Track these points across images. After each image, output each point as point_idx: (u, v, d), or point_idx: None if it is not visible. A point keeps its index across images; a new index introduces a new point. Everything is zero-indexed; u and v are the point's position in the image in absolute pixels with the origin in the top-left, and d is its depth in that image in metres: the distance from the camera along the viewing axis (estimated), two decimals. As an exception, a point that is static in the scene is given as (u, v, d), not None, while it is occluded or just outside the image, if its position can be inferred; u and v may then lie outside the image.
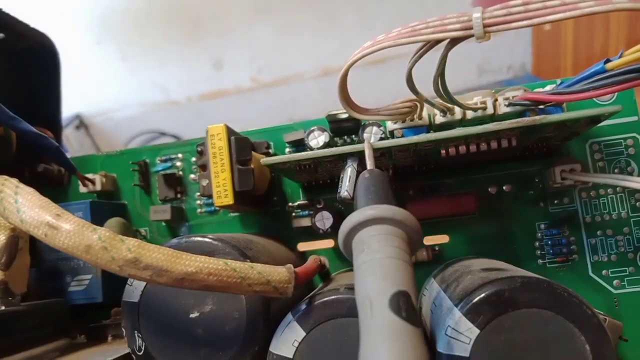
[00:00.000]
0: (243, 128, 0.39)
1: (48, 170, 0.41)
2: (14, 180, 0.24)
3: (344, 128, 0.38)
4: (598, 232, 0.36)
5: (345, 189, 0.30)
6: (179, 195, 0.41)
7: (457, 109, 0.33)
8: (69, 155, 0.40)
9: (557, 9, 0.22)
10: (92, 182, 0.41)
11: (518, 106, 0.32)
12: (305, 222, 0.38)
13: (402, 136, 0.34)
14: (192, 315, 0.26)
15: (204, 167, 0.35)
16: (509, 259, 0.36)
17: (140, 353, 0.26)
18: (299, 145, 0.39)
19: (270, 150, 0.40)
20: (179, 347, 0.26)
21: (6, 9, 0.40)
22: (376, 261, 0.18)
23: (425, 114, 0.34)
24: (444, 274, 0.32)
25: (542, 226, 0.37)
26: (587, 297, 0.23)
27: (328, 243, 0.39)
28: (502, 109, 0.32)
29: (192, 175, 0.41)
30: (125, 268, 0.22)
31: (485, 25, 0.23)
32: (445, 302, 0.25)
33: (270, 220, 0.40)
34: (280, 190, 0.40)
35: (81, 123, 1.40)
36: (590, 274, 0.36)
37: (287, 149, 0.40)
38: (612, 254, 0.36)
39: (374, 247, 0.18)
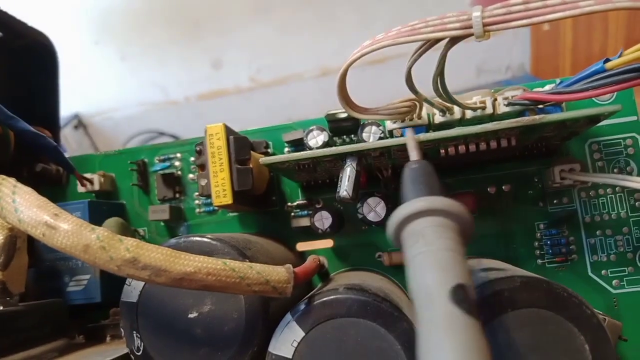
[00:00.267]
0: (242, 128, 0.39)
1: (46, 169, 0.41)
2: (12, 180, 0.24)
3: (343, 127, 0.37)
4: (597, 232, 0.36)
5: (344, 188, 0.30)
6: (177, 195, 0.41)
7: (456, 109, 0.33)
8: (67, 155, 0.40)
9: (557, 7, 0.22)
10: (91, 181, 0.41)
11: (517, 106, 0.32)
12: (304, 222, 0.38)
13: (401, 136, 0.34)
14: (190, 315, 0.26)
15: (202, 167, 0.35)
16: (508, 258, 0.36)
17: (139, 353, 0.26)
18: (298, 144, 0.39)
19: (269, 150, 0.40)
20: (177, 348, 0.26)
21: (4, 8, 0.40)
22: (434, 253, 0.18)
23: (424, 113, 0.34)
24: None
25: (542, 226, 0.37)
26: (586, 297, 0.23)
27: (327, 243, 0.39)
28: (502, 109, 0.32)
29: (190, 175, 0.41)
30: (124, 268, 0.22)
31: (485, 24, 0.23)
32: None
33: (269, 220, 0.40)
34: (279, 190, 0.40)
35: (80, 123, 1.40)
36: (590, 273, 0.36)
37: (286, 149, 0.40)
38: (612, 253, 0.36)
39: (430, 238, 0.18)
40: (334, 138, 0.39)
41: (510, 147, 0.31)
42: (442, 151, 0.31)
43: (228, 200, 0.33)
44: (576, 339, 0.22)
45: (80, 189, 0.41)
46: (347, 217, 0.39)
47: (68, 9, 1.38)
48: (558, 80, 0.34)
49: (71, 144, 1.36)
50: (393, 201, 0.36)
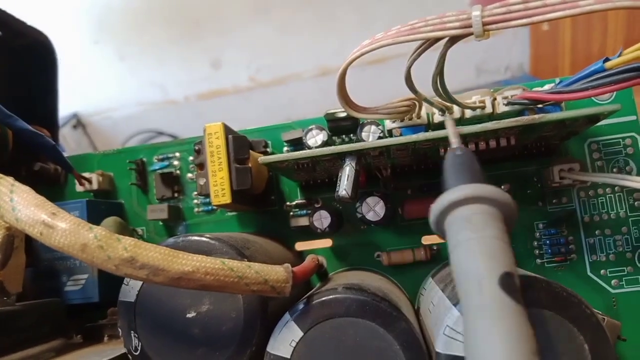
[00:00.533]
0: (241, 128, 0.39)
1: (44, 169, 0.41)
2: (10, 179, 0.24)
3: (343, 127, 0.37)
4: (596, 232, 0.36)
5: (343, 187, 0.30)
6: (176, 195, 0.41)
7: (455, 108, 0.33)
8: (65, 154, 0.40)
9: (556, 7, 0.22)
10: (89, 181, 0.41)
11: (517, 105, 0.32)
12: (303, 221, 0.38)
13: (401, 135, 0.34)
14: (189, 315, 0.26)
15: (201, 166, 0.35)
16: (508, 258, 0.36)
17: (137, 353, 0.26)
18: (297, 144, 0.39)
19: (268, 149, 0.40)
20: (175, 347, 0.26)
21: (3, 7, 0.40)
22: (481, 240, 0.18)
23: (423, 113, 0.34)
24: (442, 273, 0.32)
25: (541, 226, 0.37)
26: (585, 296, 0.23)
27: (326, 242, 0.39)
28: (501, 108, 0.32)
29: (189, 174, 0.41)
30: (122, 267, 0.22)
31: (484, 24, 0.23)
32: (444, 301, 0.24)
33: (268, 220, 0.40)
34: (278, 189, 0.40)
35: (78, 122, 1.40)
36: (589, 273, 0.36)
37: (285, 148, 0.40)
38: (611, 253, 0.36)
39: (479, 225, 0.18)
40: (333, 137, 0.39)
41: (510, 147, 0.31)
42: (442, 150, 0.31)
43: (227, 199, 0.33)
44: (575, 339, 0.21)
45: (79, 188, 0.41)
46: (346, 217, 0.39)
47: (67, 8, 1.38)
48: (557, 80, 0.34)
49: (70, 144, 1.36)
50: (392, 201, 0.36)
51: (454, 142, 0.25)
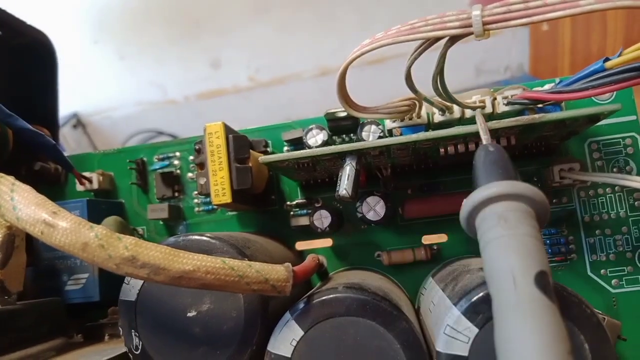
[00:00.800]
0: (241, 127, 0.39)
1: (45, 168, 0.41)
2: (10, 178, 0.24)
3: (343, 126, 0.37)
4: (597, 232, 0.36)
5: (344, 187, 0.30)
6: (176, 194, 0.41)
7: (455, 108, 0.33)
8: (66, 154, 0.40)
9: (557, 6, 0.22)
10: (89, 180, 0.41)
11: (517, 105, 0.32)
12: (304, 221, 0.38)
13: (401, 135, 0.34)
14: (189, 314, 0.26)
15: (201, 166, 0.35)
16: (508, 258, 0.36)
17: (137, 352, 0.26)
18: (298, 143, 0.39)
19: (269, 149, 0.40)
20: (176, 346, 0.26)
21: (3, 6, 0.40)
22: (516, 237, 0.18)
23: (423, 112, 0.34)
24: (442, 273, 0.32)
25: (541, 225, 0.37)
26: (585, 296, 0.23)
27: (326, 242, 0.39)
28: (501, 108, 0.32)
29: (189, 174, 0.41)
30: (122, 266, 0.22)
31: (484, 23, 0.23)
32: (444, 301, 0.25)
33: (268, 219, 0.40)
34: (278, 189, 0.40)
35: (78, 122, 1.40)
36: (589, 273, 0.36)
37: (286, 148, 0.40)
38: (611, 253, 0.36)
39: (513, 222, 0.18)
40: (334, 137, 0.39)
41: (510, 147, 0.31)
42: (442, 150, 0.31)
43: (227, 199, 0.33)
44: (576, 339, 0.21)
45: (79, 187, 0.41)
46: (346, 216, 0.39)
47: (67, 8, 1.38)
48: (557, 80, 0.34)
49: (70, 143, 1.36)
50: (392, 200, 0.36)
51: (485, 138, 0.25)
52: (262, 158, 0.31)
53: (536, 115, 0.28)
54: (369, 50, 0.25)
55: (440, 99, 0.30)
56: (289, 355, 0.24)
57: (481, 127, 0.26)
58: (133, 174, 0.42)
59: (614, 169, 0.36)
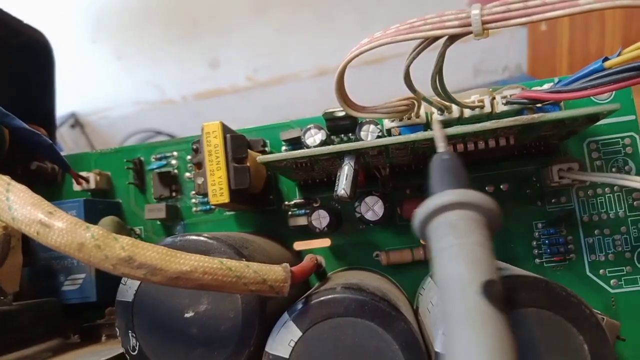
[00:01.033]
0: (239, 128, 0.39)
1: (41, 168, 0.41)
2: (6, 178, 0.24)
3: (341, 126, 0.37)
4: (595, 232, 0.36)
5: (342, 187, 0.29)
6: (174, 194, 0.41)
7: (454, 107, 0.32)
8: (63, 154, 0.39)
9: (556, 5, 0.22)
10: (86, 180, 0.40)
11: (516, 104, 0.32)
12: (302, 220, 0.38)
13: (400, 134, 0.34)
14: (187, 315, 0.26)
15: (199, 165, 0.35)
16: (506, 258, 0.36)
17: (134, 353, 0.26)
18: (296, 143, 0.38)
19: (267, 149, 0.40)
20: (173, 347, 0.26)
21: (0, 5, 0.40)
22: (465, 247, 0.18)
23: (422, 112, 0.34)
24: (441, 273, 0.32)
25: (540, 225, 0.37)
26: (584, 296, 0.23)
27: (324, 242, 0.39)
28: (500, 108, 0.32)
29: (187, 174, 0.41)
30: (119, 267, 0.22)
31: (483, 22, 0.23)
32: (443, 301, 0.24)
33: (266, 219, 0.40)
34: (276, 188, 0.40)
35: (76, 122, 1.39)
36: (588, 273, 0.36)
37: (284, 147, 0.40)
38: (610, 253, 0.36)
39: (462, 231, 0.18)
40: (332, 137, 0.39)
41: (509, 146, 0.31)
42: (441, 150, 0.31)
43: (225, 199, 0.33)
44: (575, 339, 0.21)
45: (76, 187, 0.41)
46: (344, 216, 0.38)
47: (65, 7, 1.38)
48: (556, 79, 0.34)
49: (67, 143, 1.35)
50: (391, 200, 0.36)
51: (441, 145, 0.25)
52: (260, 158, 0.31)
53: (535, 115, 0.28)
54: (367, 49, 0.25)
55: (439, 99, 0.30)
56: (287, 356, 0.24)
57: (437, 134, 0.26)
58: (130, 173, 0.42)
59: (613, 169, 0.36)
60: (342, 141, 0.39)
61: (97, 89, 1.39)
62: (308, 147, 0.35)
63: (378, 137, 0.35)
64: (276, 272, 0.24)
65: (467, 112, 0.32)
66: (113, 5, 1.38)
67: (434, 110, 0.33)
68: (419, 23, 0.24)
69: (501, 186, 0.37)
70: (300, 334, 0.24)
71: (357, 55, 0.25)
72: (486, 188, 0.37)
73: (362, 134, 0.35)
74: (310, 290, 0.27)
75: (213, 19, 1.36)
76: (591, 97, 0.36)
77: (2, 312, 0.31)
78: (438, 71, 0.27)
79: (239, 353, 0.25)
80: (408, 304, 0.31)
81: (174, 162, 0.41)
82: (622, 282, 0.35)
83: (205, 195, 0.34)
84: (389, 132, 0.34)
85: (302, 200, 0.39)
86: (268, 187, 0.39)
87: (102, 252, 0.21)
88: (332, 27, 1.31)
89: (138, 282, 0.26)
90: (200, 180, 0.34)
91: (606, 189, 0.36)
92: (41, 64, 0.46)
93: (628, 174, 0.36)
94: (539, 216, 0.37)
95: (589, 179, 0.35)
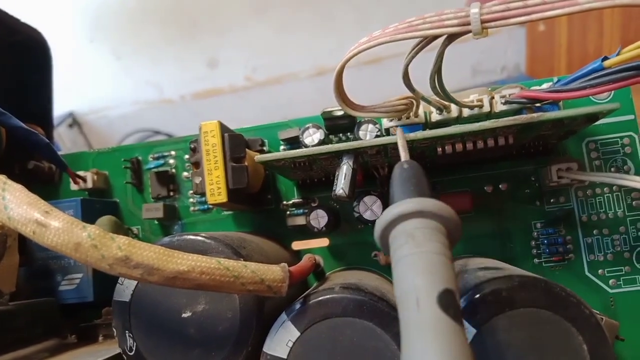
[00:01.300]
0: (237, 127, 0.39)
1: (38, 167, 0.41)
2: (2, 177, 0.24)
3: (339, 125, 0.37)
4: (594, 231, 0.36)
5: (340, 186, 0.29)
6: (171, 193, 0.41)
7: (453, 107, 0.32)
8: (61, 153, 0.39)
9: (555, 4, 0.22)
10: (84, 179, 0.40)
11: (515, 104, 0.31)
12: (300, 220, 0.38)
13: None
14: (184, 315, 0.26)
15: (197, 165, 0.35)
16: (505, 258, 0.36)
17: (132, 353, 0.26)
18: (294, 142, 0.38)
19: (265, 148, 0.40)
20: (170, 347, 0.26)
21: (-3, 4, 0.40)
22: (422, 255, 0.18)
23: (421, 111, 0.33)
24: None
25: (539, 225, 0.37)
26: (583, 296, 0.22)
27: (323, 242, 0.39)
28: (499, 107, 0.32)
29: (185, 173, 0.41)
30: (116, 266, 0.21)
31: (483, 21, 0.23)
32: (442, 301, 0.24)
33: (265, 219, 0.40)
34: (274, 188, 0.40)
35: (74, 121, 1.39)
36: (587, 273, 0.36)
37: (282, 147, 0.40)
38: (609, 253, 0.36)
39: (420, 240, 0.18)
40: (330, 136, 0.39)
41: (508, 146, 0.31)
42: (439, 149, 0.31)
43: (223, 198, 0.33)
44: (574, 339, 0.21)
45: (73, 186, 0.41)
46: (343, 216, 0.38)
47: (63, 6, 1.38)
48: (555, 79, 0.34)
49: (65, 143, 1.35)
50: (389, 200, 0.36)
51: (403, 155, 0.25)
52: (258, 157, 0.31)
53: (534, 115, 0.28)
54: (366, 48, 0.25)
55: (437, 98, 0.30)
56: (285, 356, 0.24)
57: (400, 144, 0.26)
58: (128, 173, 0.41)
59: (612, 169, 0.36)
60: (340, 140, 0.39)
61: (95, 88, 1.39)
62: (306, 146, 0.35)
63: (376, 136, 0.35)
64: (274, 272, 0.24)
65: (466, 112, 0.32)
66: (111, 5, 1.38)
67: (433, 109, 0.33)
68: (418, 22, 0.24)
69: (500, 186, 0.37)
70: (298, 334, 0.24)
71: (355, 54, 0.25)
72: (485, 188, 0.37)
73: (361, 133, 0.35)
74: (309, 290, 0.27)
75: (212, 18, 1.36)
76: (590, 97, 0.36)
77: (-1, 312, 0.31)
78: (437, 70, 0.27)
79: (237, 353, 0.25)
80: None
81: (171, 161, 0.41)
82: (621, 282, 0.35)
83: (203, 194, 0.34)
84: (387, 132, 0.34)
85: (301, 200, 0.39)
86: (266, 187, 0.39)
87: (99, 251, 0.21)
88: (331, 26, 1.31)
89: (135, 282, 0.26)
90: (198, 180, 0.34)
91: (605, 189, 0.36)
92: (38, 63, 0.46)
93: (627, 174, 0.36)
94: (537, 216, 0.37)
95: (587, 178, 0.35)
